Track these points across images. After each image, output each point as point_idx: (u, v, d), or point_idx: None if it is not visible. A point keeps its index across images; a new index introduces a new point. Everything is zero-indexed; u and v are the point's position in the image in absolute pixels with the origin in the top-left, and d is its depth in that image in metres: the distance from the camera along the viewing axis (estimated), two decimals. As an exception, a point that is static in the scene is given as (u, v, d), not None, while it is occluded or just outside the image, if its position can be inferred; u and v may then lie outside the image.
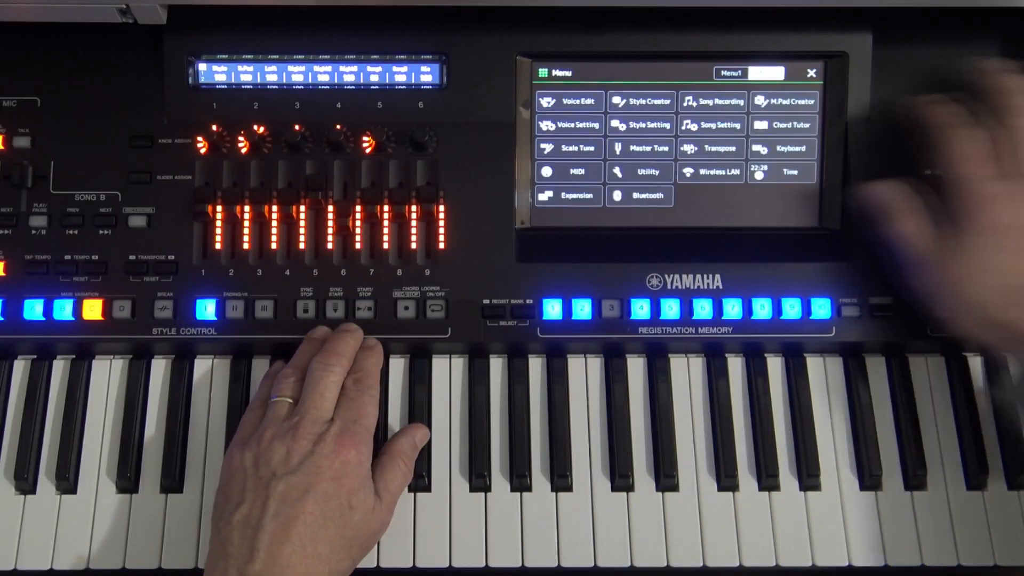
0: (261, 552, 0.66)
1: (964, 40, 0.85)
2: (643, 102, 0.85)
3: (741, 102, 0.85)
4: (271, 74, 0.84)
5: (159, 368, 0.82)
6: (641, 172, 0.85)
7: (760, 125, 0.85)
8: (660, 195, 0.85)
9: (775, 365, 0.83)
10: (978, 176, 0.73)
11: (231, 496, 0.69)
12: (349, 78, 0.84)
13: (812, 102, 0.85)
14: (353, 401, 0.74)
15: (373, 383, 0.76)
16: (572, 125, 0.85)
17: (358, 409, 0.73)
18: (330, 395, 0.73)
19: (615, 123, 0.85)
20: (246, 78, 0.84)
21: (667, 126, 0.85)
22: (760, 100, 0.85)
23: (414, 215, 0.82)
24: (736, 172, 0.85)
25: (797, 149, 0.85)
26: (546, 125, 0.85)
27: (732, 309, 0.81)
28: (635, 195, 0.85)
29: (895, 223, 0.76)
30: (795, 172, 0.85)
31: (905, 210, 0.76)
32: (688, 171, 0.85)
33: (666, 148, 0.85)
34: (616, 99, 0.85)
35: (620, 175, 0.85)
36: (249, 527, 0.67)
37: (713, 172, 0.85)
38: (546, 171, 0.85)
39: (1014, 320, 0.70)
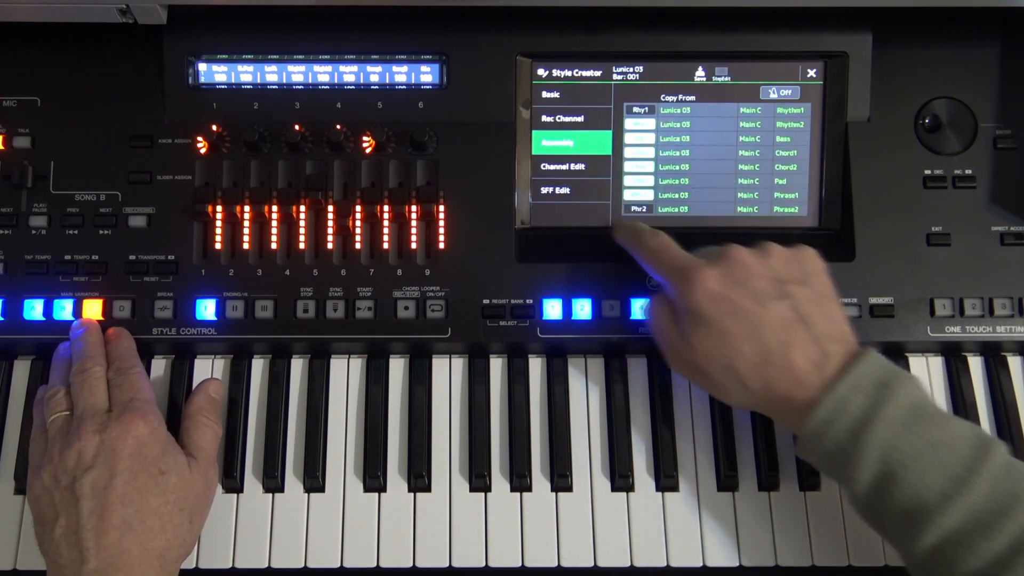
0: (91, 550, 0.66)
1: (964, 40, 0.85)
2: (643, 101, 0.85)
3: (741, 102, 0.85)
4: (271, 74, 0.84)
5: (159, 368, 0.82)
6: (640, 171, 0.85)
7: (760, 124, 0.85)
8: (660, 194, 0.85)
9: (775, 365, 0.83)
10: (678, 257, 0.74)
11: (46, 519, 0.69)
12: (349, 78, 0.84)
13: (812, 101, 0.85)
14: (122, 384, 0.74)
15: (134, 362, 0.77)
16: (572, 125, 0.85)
17: (130, 388, 0.74)
18: (99, 390, 0.74)
19: (615, 123, 0.85)
20: (246, 78, 0.84)
21: (667, 125, 0.85)
22: (761, 99, 0.85)
23: (414, 215, 0.82)
24: (736, 171, 0.85)
25: (797, 149, 0.85)
26: (546, 125, 0.85)
27: (732, 309, 0.81)
28: (635, 195, 0.85)
29: (649, 314, 0.77)
30: (795, 172, 0.85)
31: (655, 302, 0.77)
32: (688, 169, 0.85)
33: (666, 147, 0.85)
34: (616, 99, 0.85)
35: (620, 175, 0.85)
36: (71, 534, 0.67)
37: (713, 171, 0.85)
38: (546, 171, 0.85)
39: (771, 380, 0.69)
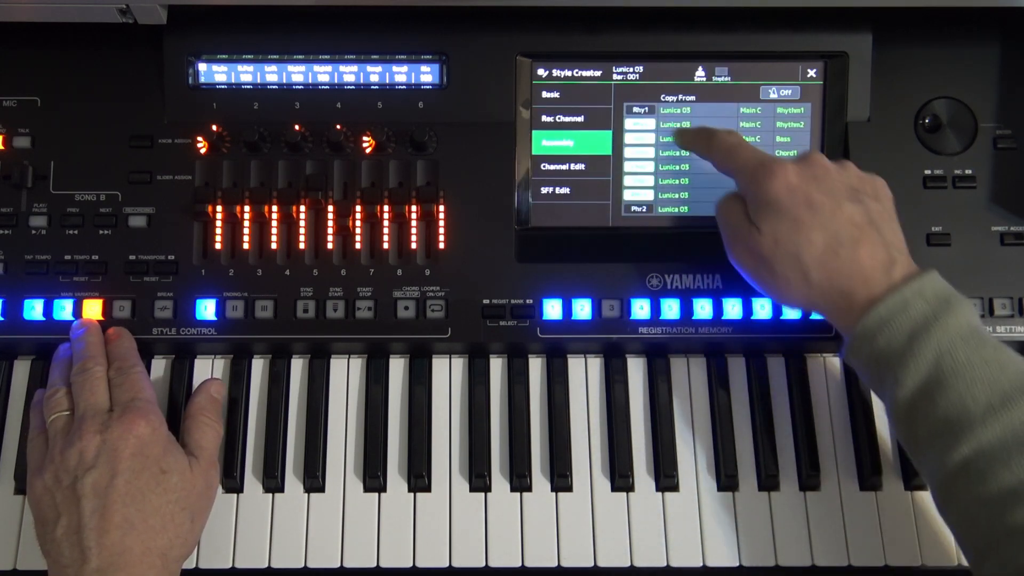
0: (92, 549, 0.66)
1: (964, 40, 0.85)
2: (643, 101, 0.85)
3: (742, 101, 0.85)
4: (271, 74, 0.84)
5: (159, 368, 0.82)
6: (641, 171, 0.85)
7: (760, 124, 0.85)
8: (660, 194, 0.85)
9: (775, 365, 0.83)
10: (757, 152, 0.75)
11: (47, 519, 0.69)
12: (349, 78, 0.84)
13: (812, 101, 0.85)
14: (123, 384, 0.74)
15: (135, 362, 0.77)
16: (572, 125, 0.85)
17: (131, 388, 0.74)
18: (100, 389, 0.74)
19: (615, 123, 0.85)
20: (246, 78, 0.84)
21: (667, 125, 0.85)
22: (761, 99, 0.85)
23: (414, 215, 0.82)
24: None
25: (797, 149, 0.85)
26: (546, 125, 0.85)
27: (732, 309, 0.81)
28: (635, 195, 0.85)
29: (718, 206, 0.78)
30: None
31: (727, 196, 0.77)
32: (688, 169, 0.85)
33: (666, 147, 0.85)
34: (616, 99, 0.85)
35: (620, 175, 0.85)
36: (73, 534, 0.67)
37: (713, 171, 0.83)
38: (546, 171, 0.85)
39: (835, 272, 0.70)
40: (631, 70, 0.85)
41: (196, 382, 0.81)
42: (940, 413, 0.64)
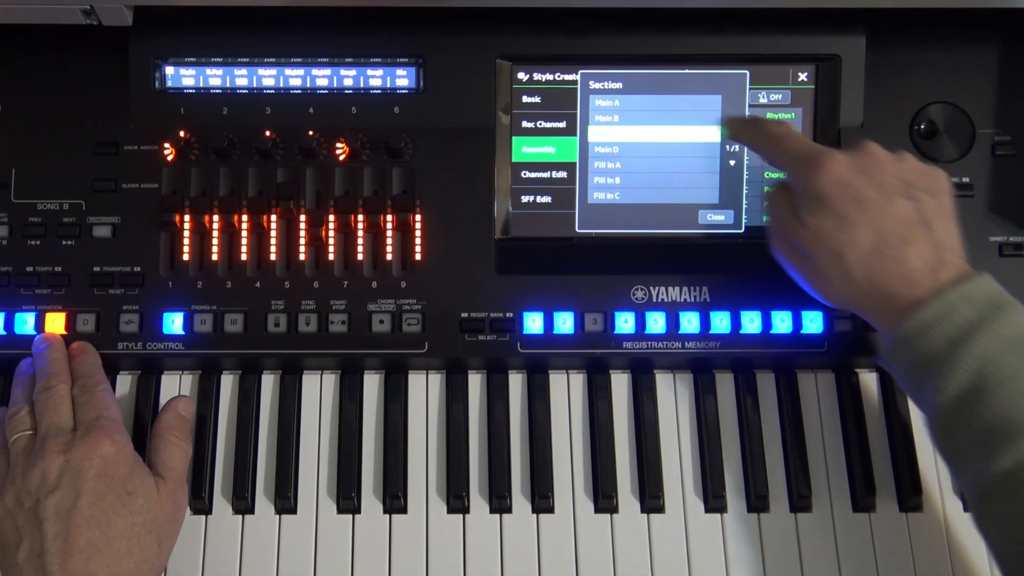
0: (56, 574, 0.65)
1: (961, 42, 0.85)
2: (627, 107, 0.83)
3: (729, 106, 0.83)
4: (241, 78, 0.83)
5: (124, 384, 0.81)
6: (625, 180, 0.84)
7: (750, 130, 0.84)
8: (644, 203, 0.84)
9: (765, 381, 0.82)
10: (806, 142, 0.75)
11: (8, 543, 0.68)
12: (322, 82, 0.83)
13: (803, 106, 0.84)
14: (87, 402, 0.73)
15: (99, 379, 0.76)
16: (553, 131, 0.84)
17: (96, 406, 0.73)
18: (63, 408, 0.73)
19: (597, 128, 0.83)
20: (215, 82, 0.83)
21: (651, 131, 0.84)
22: (750, 104, 0.83)
23: (389, 225, 0.81)
24: (723, 179, 0.84)
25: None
26: (526, 131, 0.83)
27: (720, 323, 0.80)
28: (619, 204, 0.84)
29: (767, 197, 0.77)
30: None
31: (775, 187, 0.77)
32: (674, 177, 0.84)
33: (650, 154, 0.84)
34: (599, 103, 0.83)
35: (603, 183, 0.84)
36: (35, 558, 0.66)
37: (699, 179, 0.84)
38: (526, 179, 0.83)
39: (879, 272, 0.68)
40: (614, 73, 0.83)
41: (163, 399, 0.80)
42: (981, 423, 0.63)
